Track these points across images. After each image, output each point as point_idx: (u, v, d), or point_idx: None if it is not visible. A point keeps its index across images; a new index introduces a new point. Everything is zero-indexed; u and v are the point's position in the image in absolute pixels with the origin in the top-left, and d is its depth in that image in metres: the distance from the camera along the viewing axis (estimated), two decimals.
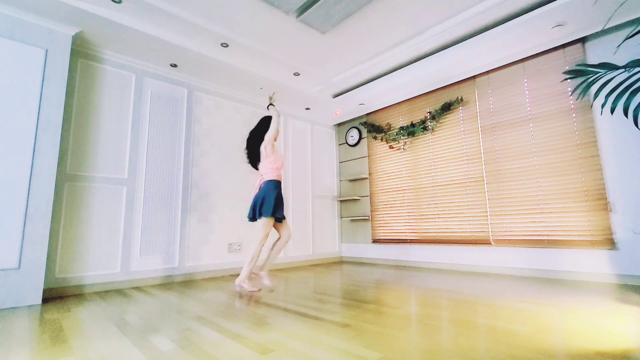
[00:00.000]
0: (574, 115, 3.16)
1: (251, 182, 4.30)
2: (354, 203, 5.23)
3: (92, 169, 3.05)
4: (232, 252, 3.95)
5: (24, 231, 2.46)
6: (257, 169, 3.00)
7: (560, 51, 3.28)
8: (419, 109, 4.47)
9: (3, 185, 2.42)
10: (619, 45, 2.25)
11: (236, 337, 1.65)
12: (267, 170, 2.85)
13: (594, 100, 2.53)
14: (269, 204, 2.73)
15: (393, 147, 4.72)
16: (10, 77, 2.54)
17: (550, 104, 3.31)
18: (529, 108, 3.47)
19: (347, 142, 5.47)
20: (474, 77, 3.93)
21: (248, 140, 3.07)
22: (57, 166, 2.81)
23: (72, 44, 3.02)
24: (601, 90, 2.18)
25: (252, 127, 4.42)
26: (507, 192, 3.54)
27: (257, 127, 3.05)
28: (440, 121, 4.21)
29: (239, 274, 3.88)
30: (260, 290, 2.85)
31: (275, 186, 2.81)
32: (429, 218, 4.21)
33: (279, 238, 2.91)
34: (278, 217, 2.81)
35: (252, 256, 2.76)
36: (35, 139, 2.59)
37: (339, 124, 5.71)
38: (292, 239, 4.76)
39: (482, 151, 3.78)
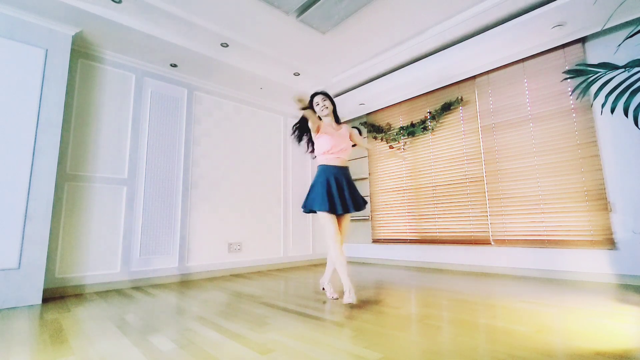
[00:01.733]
0: (574, 115, 3.16)
1: (251, 182, 4.30)
2: None
3: (92, 169, 3.05)
4: (232, 252, 3.95)
5: (24, 231, 2.46)
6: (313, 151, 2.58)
7: (560, 51, 3.28)
8: (419, 109, 4.47)
9: (3, 185, 2.42)
10: (619, 45, 2.25)
11: (236, 337, 1.65)
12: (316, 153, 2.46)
13: (594, 100, 2.53)
14: (316, 195, 2.32)
15: (393, 147, 4.72)
16: (10, 77, 2.54)
17: (550, 104, 3.31)
18: (529, 108, 3.46)
19: None
20: (474, 77, 3.93)
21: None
22: (57, 166, 2.81)
23: (72, 44, 3.02)
24: (601, 90, 2.17)
25: (253, 128, 4.46)
26: (507, 192, 3.54)
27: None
28: (440, 121, 4.21)
29: (239, 274, 3.88)
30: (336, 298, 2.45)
31: (322, 172, 2.42)
32: (429, 218, 4.21)
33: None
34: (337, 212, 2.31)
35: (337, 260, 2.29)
36: (35, 139, 2.59)
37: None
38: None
39: (482, 151, 3.78)
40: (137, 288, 3.09)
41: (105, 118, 3.20)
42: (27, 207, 2.50)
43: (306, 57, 3.71)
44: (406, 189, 4.52)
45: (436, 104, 4.26)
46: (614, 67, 2.07)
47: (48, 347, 1.56)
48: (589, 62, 3.09)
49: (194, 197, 3.72)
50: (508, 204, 3.53)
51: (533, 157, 3.38)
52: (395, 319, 1.90)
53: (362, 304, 2.27)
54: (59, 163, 2.86)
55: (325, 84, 4.31)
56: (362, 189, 5.12)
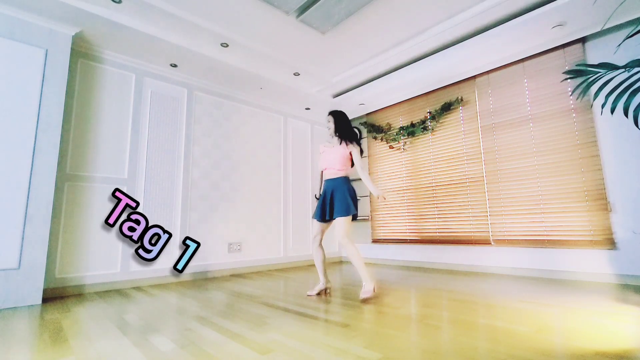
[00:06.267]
0: (574, 115, 3.16)
1: (251, 182, 4.30)
2: None
3: (92, 169, 3.05)
4: (232, 252, 3.95)
5: (24, 231, 2.46)
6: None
7: (560, 51, 3.28)
8: (419, 109, 4.47)
9: (3, 185, 2.42)
10: (619, 45, 2.25)
11: (236, 337, 1.65)
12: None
13: (594, 100, 2.52)
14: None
15: (393, 147, 4.72)
16: (10, 77, 2.54)
17: (550, 104, 3.31)
18: (529, 108, 3.46)
19: None
20: (474, 77, 3.93)
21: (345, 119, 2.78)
22: (57, 166, 2.81)
23: (72, 44, 3.01)
24: (601, 90, 2.17)
25: (253, 127, 4.46)
26: (507, 192, 3.54)
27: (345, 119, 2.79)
28: (440, 121, 4.21)
29: (239, 274, 3.88)
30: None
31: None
32: (429, 218, 4.21)
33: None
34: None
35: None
36: (35, 139, 2.59)
37: None
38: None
39: (482, 151, 3.78)
40: (137, 288, 3.09)
41: (105, 118, 3.19)
42: (27, 207, 2.50)
43: (306, 57, 3.71)
44: (406, 189, 4.52)
45: (436, 104, 4.26)
46: (614, 67, 2.07)
47: (48, 347, 1.56)
48: (589, 62, 3.09)
49: (194, 197, 3.72)
50: (508, 204, 3.53)
51: (533, 157, 3.38)
52: (395, 319, 1.90)
53: (362, 304, 2.27)
54: (59, 163, 2.85)
55: (325, 84, 4.31)
56: (362, 189, 5.12)
